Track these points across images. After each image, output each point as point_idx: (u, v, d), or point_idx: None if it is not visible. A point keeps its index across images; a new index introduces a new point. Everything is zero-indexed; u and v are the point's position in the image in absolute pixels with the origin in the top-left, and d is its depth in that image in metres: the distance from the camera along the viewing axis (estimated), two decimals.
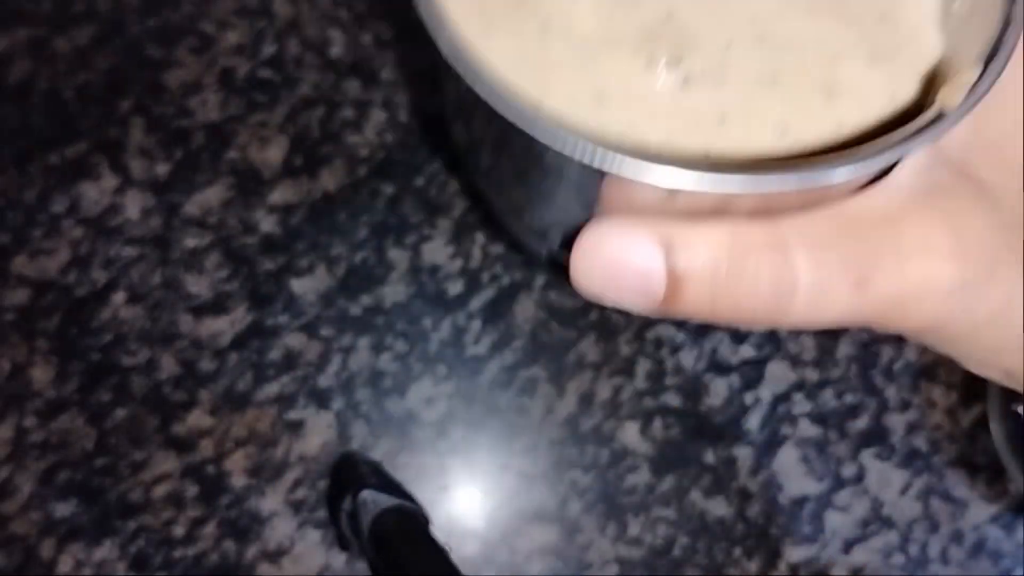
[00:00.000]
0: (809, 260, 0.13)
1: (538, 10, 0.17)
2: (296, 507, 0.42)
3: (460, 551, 0.42)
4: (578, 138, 0.13)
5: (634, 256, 0.13)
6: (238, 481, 0.42)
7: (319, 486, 0.43)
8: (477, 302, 0.45)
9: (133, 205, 0.45)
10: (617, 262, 0.14)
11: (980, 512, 0.43)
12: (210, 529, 0.42)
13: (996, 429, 0.43)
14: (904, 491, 0.43)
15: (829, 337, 0.44)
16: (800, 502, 0.43)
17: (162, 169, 0.46)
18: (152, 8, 0.48)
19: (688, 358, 0.44)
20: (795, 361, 0.44)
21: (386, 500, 0.39)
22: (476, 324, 0.44)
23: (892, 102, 0.16)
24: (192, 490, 0.42)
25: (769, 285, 0.13)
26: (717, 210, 0.13)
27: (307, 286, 0.44)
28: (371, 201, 0.45)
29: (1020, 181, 0.15)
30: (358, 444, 0.43)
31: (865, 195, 0.14)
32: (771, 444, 0.43)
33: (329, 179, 0.46)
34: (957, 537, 0.43)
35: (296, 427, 0.43)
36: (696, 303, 0.14)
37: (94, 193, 0.46)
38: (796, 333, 0.44)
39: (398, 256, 0.45)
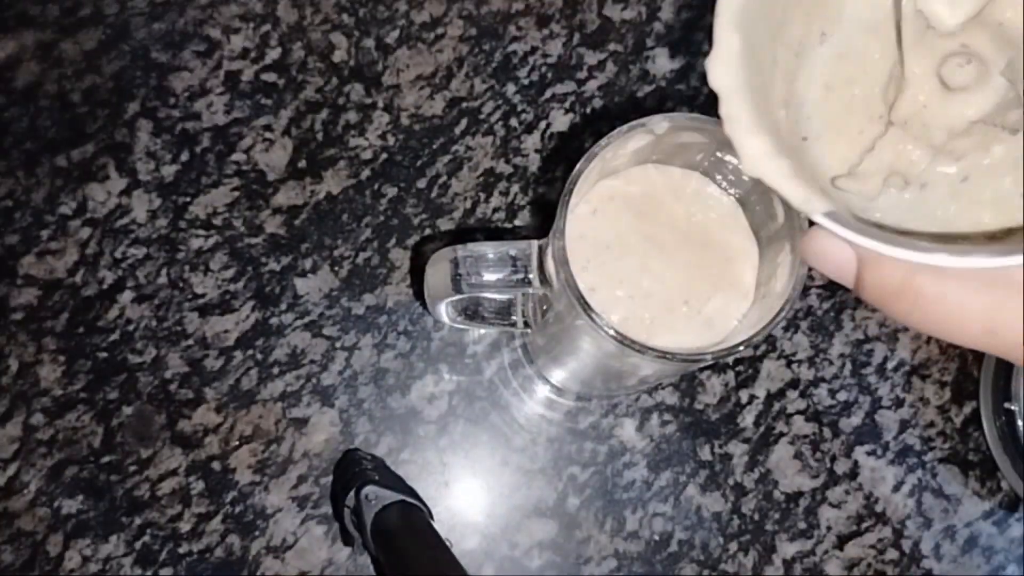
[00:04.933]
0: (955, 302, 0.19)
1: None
2: (300, 503, 0.43)
3: (461, 545, 0.43)
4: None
5: (840, 255, 0.20)
6: (243, 477, 0.43)
7: (323, 482, 0.43)
8: None
9: (140, 206, 0.46)
10: (828, 253, 0.20)
11: (973, 509, 0.44)
12: (215, 525, 0.42)
13: (989, 426, 0.43)
14: (897, 488, 0.44)
15: (823, 336, 0.45)
16: (795, 498, 0.43)
17: (168, 171, 0.46)
18: (158, 13, 0.49)
19: None
20: (789, 360, 0.45)
21: (389, 496, 0.40)
22: None
23: None
24: (198, 486, 0.43)
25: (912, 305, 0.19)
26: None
27: (311, 286, 0.45)
28: (374, 203, 0.46)
29: None
30: (361, 441, 0.44)
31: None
32: (766, 441, 0.44)
33: (333, 181, 0.46)
34: (950, 533, 0.43)
35: (300, 424, 0.43)
36: (868, 298, 0.20)
37: (101, 194, 0.46)
38: (790, 332, 0.45)
39: (400, 256, 0.46)
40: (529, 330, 0.40)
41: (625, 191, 0.32)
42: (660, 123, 0.29)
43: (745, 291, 0.32)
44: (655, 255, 0.32)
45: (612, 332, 0.28)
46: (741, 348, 0.28)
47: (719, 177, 0.32)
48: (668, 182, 0.33)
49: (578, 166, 0.29)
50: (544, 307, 0.35)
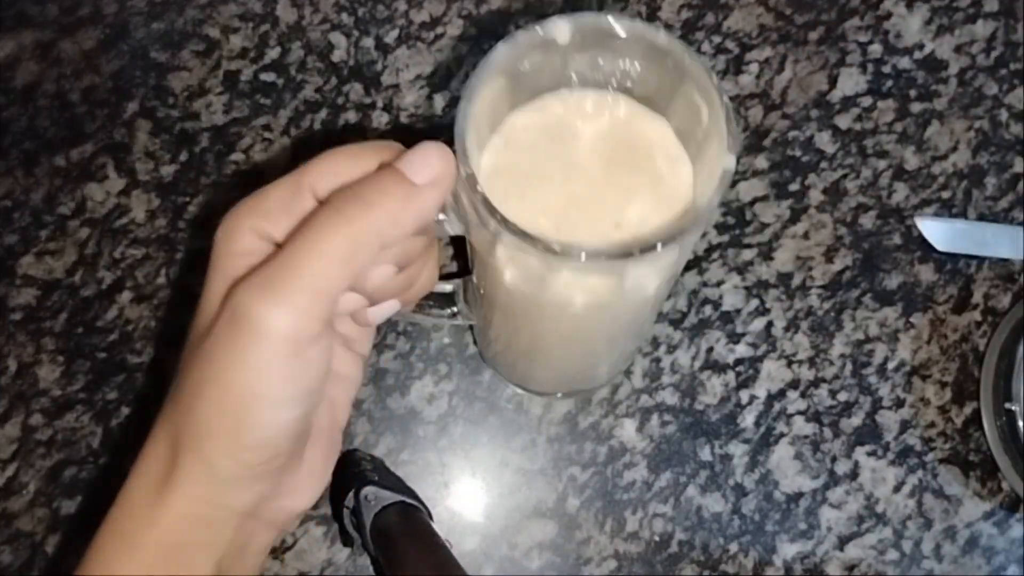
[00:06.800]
0: None
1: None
2: None
3: (461, 546, 0.42)
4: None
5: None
6: None
7: None
8: None
9: (139, 206, 0.46)
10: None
11: (973, 509, 0.43)
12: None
13: (989, 427, 0.43)
14: (898, 488, 0.44)
15: (823, 336, 0.45)
16: (795, 499, 0.43)
17: (167, 171, 0.46)
18: (157, 12, 0.48)
19: (685, 357, 0.45)
20: (790, 360, 0.45)
21: (388, 496, 0.40)
22: None
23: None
24: None
25: None
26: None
27: None
28: None
29: None
30: (361, 441, 0.43)
31: None
32: (766, 441, 0.44)
33: None
34: (950, 534, 0.43)
35: None
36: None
37: (100, 194, 0.46)
38: (791, 332, 0.45)
39: None
40: (472, 323, 0.39)
41: (538, 119, 0.30)
42: (561, 28, 0.27)
43: (682, 207, 0.29)
44: (578, 180, 0.30)
45: (513, 226, 0.25)
46: (658, 247, 0.25)
47: (636, 90, 0.30)
48: (584, 104, 0.31)
49: (473, 75, 0.27)
50: (480, 289, 0.34)
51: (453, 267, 0.45)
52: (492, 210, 0.25)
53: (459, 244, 0.38)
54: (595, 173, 0.30)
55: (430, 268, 0.29)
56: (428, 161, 0.24)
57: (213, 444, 0.23)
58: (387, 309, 0.28)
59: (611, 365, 0.42)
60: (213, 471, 0.24)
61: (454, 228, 0.28)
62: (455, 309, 0.38)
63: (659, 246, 0.25)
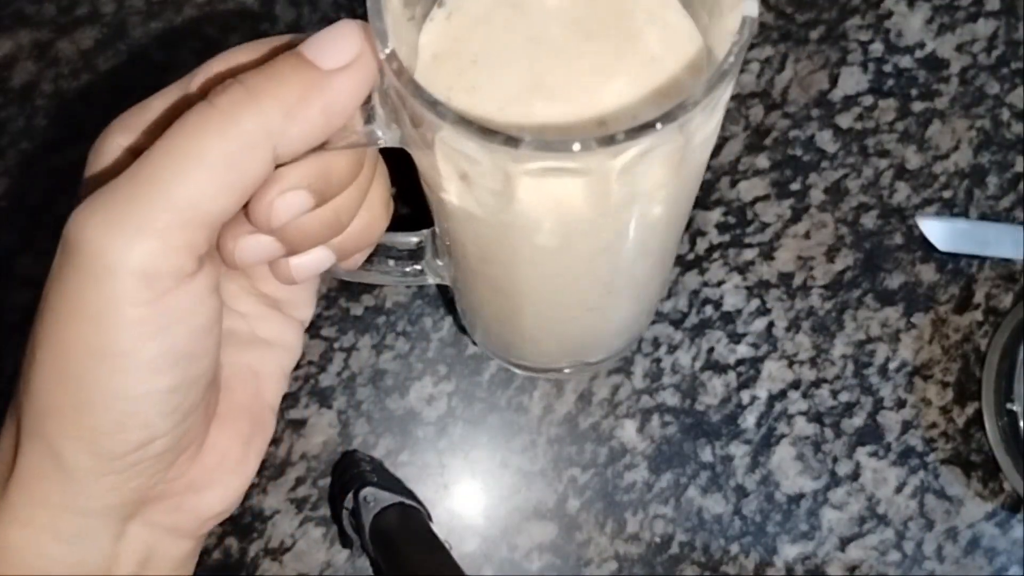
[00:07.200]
0: None
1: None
2: (298, 505, 0.43)
3: (460, 548, 0.42)
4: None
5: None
6: None
7: (321, 484, 0.43)
8: None
9: None
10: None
11: (975, 510, 0.43)
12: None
13: (991, 427, 0.43)
14: (899, 489, 0.43)
15: (825, 337, 0.45)
16: (796, 499, 0.43)
17: None
18: (155, 11, 0.48)
19: (685, 357, 0.44)
20: (791, 360, 0.44)
21: (387, 498, 0.40)
22: None
23: None
24: None
25: None
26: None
27: None
28: None
29: None
30: (359, 442, 0.43)
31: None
32: (767, 442, 0.43)
33: None
34: (952, 535, 0.43)
35: (298, 426, 0.43)
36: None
37: None
38: (792, 332, 0.45)
39: None
40: (443, 282, 0.32)
41: None
42: None
43: (687, 95, 0.22)
44: (548, 62, 0.22)
45: (441, 107, 0.18)
46: (657, 126, 0.18)
47: None
48: None
49: None
50: (445, 237, 0.28)
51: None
52: (412, 87, 0.18)
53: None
54: (572, 50, 0.22)
55: (374, 207, 0.22)
56: (341, 40, 0.18)
57: (56, 426, 0.18)
58: (315, 261, 0.21)
59: (621, 325, 0.35)
60: (62, 463, 0.18)
61: (388, 138, 0.21)
62: (419, 267, 0.30)
63: (658, 126, 0.18)
